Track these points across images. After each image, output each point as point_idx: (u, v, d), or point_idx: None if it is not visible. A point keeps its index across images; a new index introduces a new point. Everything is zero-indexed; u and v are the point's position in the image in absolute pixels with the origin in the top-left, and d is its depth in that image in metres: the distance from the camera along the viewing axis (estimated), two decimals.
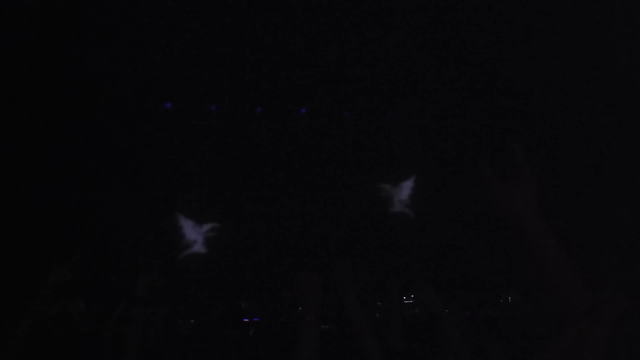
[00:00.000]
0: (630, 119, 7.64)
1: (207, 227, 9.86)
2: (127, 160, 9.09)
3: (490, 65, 8.37)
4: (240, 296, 7.74)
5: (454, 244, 9.10)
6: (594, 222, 8.04)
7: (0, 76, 7.61)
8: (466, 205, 9.22)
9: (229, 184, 9.58)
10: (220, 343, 5.16)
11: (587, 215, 8.11)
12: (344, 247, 9.12)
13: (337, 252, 8.90)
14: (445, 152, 9.64)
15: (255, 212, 9.42)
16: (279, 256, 9.23)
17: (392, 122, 9.95)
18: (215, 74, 8.93)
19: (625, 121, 7.80)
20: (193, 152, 9.55)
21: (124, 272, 7.62)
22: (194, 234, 9.85)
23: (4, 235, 7.84)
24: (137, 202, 9.11)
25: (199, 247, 9.82)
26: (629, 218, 7.08)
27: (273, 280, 8.51)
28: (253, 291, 8.13)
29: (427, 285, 3.47)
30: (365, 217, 9.66)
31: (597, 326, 1.07)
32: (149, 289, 4.27)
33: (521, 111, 8.52)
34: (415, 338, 4.04)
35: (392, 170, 9.97)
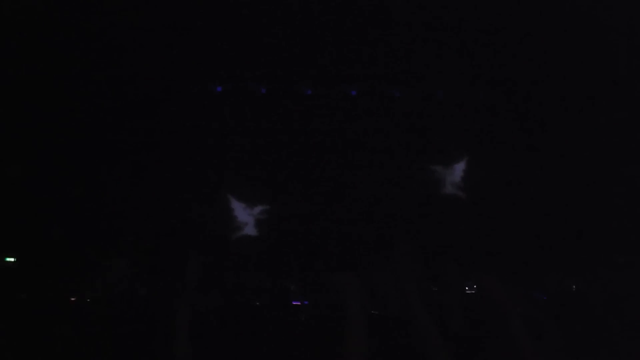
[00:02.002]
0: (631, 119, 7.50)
1: (258, 209, 9.87)
2: (176, 143, 9.17)
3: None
4: (290, 279, 7.73)
5: (510, 228, 8.95)
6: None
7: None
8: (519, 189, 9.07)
9: (282, 166, 9.58)
10: (269, 327, 5.15)
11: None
12: (397, 233, 9.05)
13: (391, 238, 8.85)
14: (498, 133, 9.46)
15: (305, 195, 9.40)
16: (329, 240, 9.20)
17: (444, 101, 9.78)
18: (264, 55, 8.92)
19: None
20: (244, 134, 9.56)
21: (174, 255, 7.69)
22: (245, 216, 9.88)
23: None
24: (186, 185, 9.19)
25: (250, 229, 9.85)
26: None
27: (322, 263, 8.50)
28: (303, 274, 8.13)
29: (488, 273, 3.37)
30: (418, 200, 9.53)
31: None
32: (200, 273, 4.27)
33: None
34: (477, 325, 3.95)
35: (444, 151, 9.80)
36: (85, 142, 8.85)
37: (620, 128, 8.59)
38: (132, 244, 8.83)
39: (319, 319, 5.25)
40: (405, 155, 9.55)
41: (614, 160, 8.92)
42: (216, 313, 5.49)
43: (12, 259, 7.96)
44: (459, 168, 9.88)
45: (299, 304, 6.80)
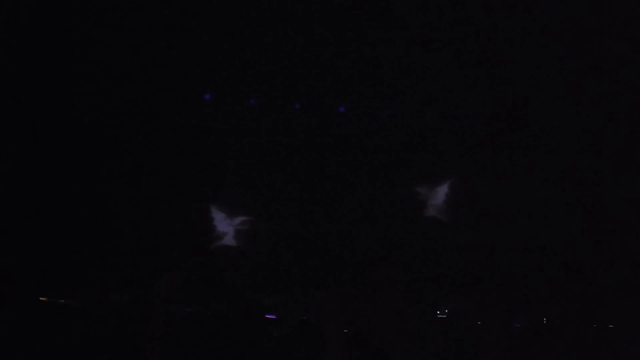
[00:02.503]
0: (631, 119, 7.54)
1: (238, 219, 9.80)
2: (156, 152, 9.11)
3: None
4: (265, 292, 7.67)
5: (490, 251, 8.95)
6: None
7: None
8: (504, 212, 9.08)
9: (263, 178, 9.52)
10: (242, 341, 5.09)
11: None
12: (376, 250, 9.00)
13: (368, 255, 8.80)
14: (482, 156, 9.48)
15: (286, 208, 9.35)
16: (309, 254, 9.15)
17: (430, 124, 9.79)
18: (256, 68, 8.90)
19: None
20: (228, 144, 9.51)
21: (150, 266, 7.63)
22: (225, 226, 9.80)
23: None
24: (167, 194, 9.11)
25: (229, 240, 9.77)
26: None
27: (300, 278, 8.44)
28: (279, 287, 8.07)
29: (460, 299, 3.33)
30: (399, 221, 9.51)
31: None
32: (176, 288, 4.20)
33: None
34: (452, 350, 3.91)
35: (428, 173, 9.80)
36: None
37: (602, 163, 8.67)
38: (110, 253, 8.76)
39: (293, 335, 5.19)
40: (387, 176, 9.54)
41: (598, 190, 8.98)
42: (189, 324, 5.42)
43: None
44: (442, 191, 9.88)
45: (274, 317, 6.74)
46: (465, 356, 3.61)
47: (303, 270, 8.86)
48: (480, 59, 8.38)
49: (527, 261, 8.86)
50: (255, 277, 8.70)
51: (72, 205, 8.80)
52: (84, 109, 8.75)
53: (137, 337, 4.29)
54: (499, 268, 8.85)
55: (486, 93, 8.94)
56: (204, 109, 9.59)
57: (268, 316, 6.74)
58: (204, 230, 9.57)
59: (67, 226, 8.68)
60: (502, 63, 8.56)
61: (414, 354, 3.05)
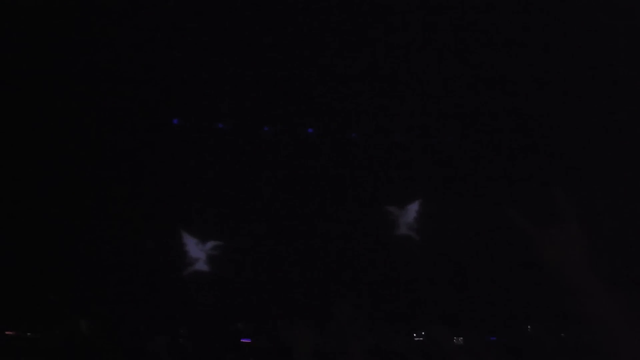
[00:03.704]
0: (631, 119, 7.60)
1: (210, 244, 9.75)
2: (129, 174, 9.03)
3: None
4: (238, 317, 7.63)
5: (462, 271, 8.98)
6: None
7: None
8: (475, 230, 9.13)
9: (233, 201, 9.49)
10: None
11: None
12: (349, 273, 9.01)
13: (340, 279, 8.79)
14: (453, 174, 9.53)
15: (258, 231, 9.32)
16: (281, 277, 9.12)
17: (399, 142, 9.85)
18: (221, 90, 8.89)
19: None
20: (197, 168, 9.46)
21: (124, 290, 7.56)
22: (197, 252, 9.74)
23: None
24: (138, 217, 9.04)
25: (201, 265, 9.70)
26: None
27: (271, 303, 8.40)
28: (251, 312, 8.03)
29: (438, 321, 3.35)
30: (371, 240, 9.54)
31: None
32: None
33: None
34: None
35: (399, 192, 9.85)
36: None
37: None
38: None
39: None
40: (359, 196, 9.56)
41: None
42: (166, 350, 5.37)
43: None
44: (413, 209, 9.94)
45: (249, 341, 6.71)
46: None
47: (275, 295, 8.82)
48: (452, 76, 8.41)
49: (502, 278, 8.91)
50: (228, 303, 8.65)
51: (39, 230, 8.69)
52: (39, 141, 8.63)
53: None
54: (475, 285, 8.89)
55: (459, 111, 8.98)
56: (173, 134, 9.55)
57: (243, 340, 6.71)
58: (176, 256, 9.51)
59: (31, 253, 8.56)
60: (475, 80, 8.58)
61: None
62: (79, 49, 7.87)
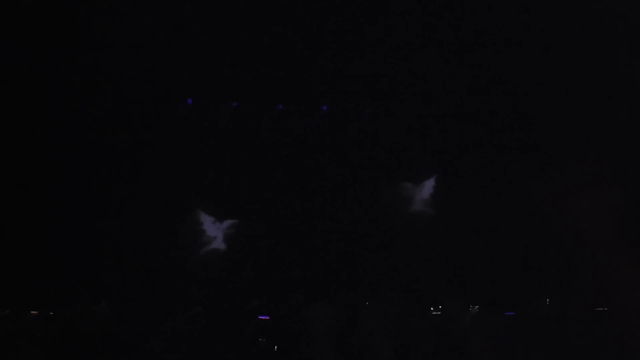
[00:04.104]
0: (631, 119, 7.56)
1: (227, 223, 9.79)
2: (146, 157, 9.08)
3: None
4: (252, 294, 7.67)
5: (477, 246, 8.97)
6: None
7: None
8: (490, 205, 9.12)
9: (249, 181, 9.51)
10: (232, 342, 5.09)
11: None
12: (364, 248, 9.03)
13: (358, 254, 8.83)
14: (467, 151, 9.50)
15: (273, 210, 9.36)
16: (294, 254, 9.16)
17: (413, 119, 9.81)
18: (235, 71, 8.88)
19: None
20: (214, 148, 9.49)
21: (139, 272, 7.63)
22: (214, 230, 9.79)
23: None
24: (155, 200, 9.10)
25: (218, 244, 9.76)
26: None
27: (287, 279, 8.45)
28: (266, 289, 8.07)
29: (454, 296, 3.36)
30: (387, 216, 9.54)
31: None
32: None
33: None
34: (443, 346, 3.93)
35: (414, 168, 9.82)
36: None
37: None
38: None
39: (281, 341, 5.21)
40: (374, 172, 9.55)
41: (585, 180, 8.99)
42: (181, 326, 5.42)
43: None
44: (429, 185, 9.91)
45: (267, 318, 6.76)
46: (458, 352, 3.63)
47: (294, 273, 8.87)
48: (465, 57, 8.37)
49: (518, 256, 8.90)
50: (246, 280, 8.72)
51: (54, 212, 8.78)
52: (63, 117, 8.69)
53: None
54: (490, 263, 8.88)
55: (473, 90, 8.94)
56: (188, 113, 9.57)
57: (261, 317, 6.76)
58: (193, 235, 9.57)
59: (50, 235, 8.66)
60: (489, 63, 8.54)
61: (407, 353, 3.07)
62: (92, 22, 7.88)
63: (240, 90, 9.43)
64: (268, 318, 6.71)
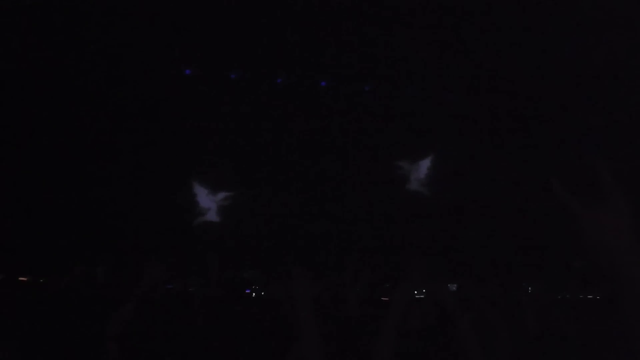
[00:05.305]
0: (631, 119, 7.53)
1: (221, 195, 9.76)
2: (137, 129, 9.04)
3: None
4: (244, 266, 7.69)
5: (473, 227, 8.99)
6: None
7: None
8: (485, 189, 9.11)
9: (244, 153, 9.48)
10: (221, 316, 5.09)
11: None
12: (355, 227, 9.03)
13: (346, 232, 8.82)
14: (466, 131, 9.47)
15: (268, 182, 9.35)
16: (288, 228, 9.17)
17: (413, 97, 9.76)
18: (236, 40, 8.79)
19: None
20: (209, 119, 9.43)
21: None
22: (208, 202, 9.77)
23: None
24: (148, 172, 9.08)
25: (212, 216, 9.74)
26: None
27: (278, 254, 8.47)
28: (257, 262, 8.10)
29: (440, 278, 3.35)
30: (380, 196, 9.52)
31: None
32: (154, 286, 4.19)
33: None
34: (428, 329, 3.93)
35: (411, 147, 9.78)
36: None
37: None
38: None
39: (272, 312, 5.20)
40: (371, 152, 9.52)
41: (578, 163, 8.97)
42: (169, 300, 5.42)
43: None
44: (424, 165, 9.88)
45: (250, 291, 6.78)
46: (444, 336, 3.62)
47: (284, 247, 8.89)
48: (459, 40, 8.32)
49: (510, 239, 8.92)
50: (237, 253, 8.72)
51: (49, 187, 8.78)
52: (55, 91, 8.66)
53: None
54: (483, 246, 8.91)
55: (469, 72, 8.89)
56: (185, 84, 9.50)
57: (248, 291, 6.78)
58: (186, 206, 9.56)
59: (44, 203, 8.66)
60: (485, 47, 8.49)
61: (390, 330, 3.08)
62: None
63: (239, 60, 9.38)
64: (249, 292, 6.75)
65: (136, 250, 8.42)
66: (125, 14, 8.00)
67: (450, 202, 9.41)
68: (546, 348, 4.09)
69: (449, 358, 3.56)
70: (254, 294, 6.84)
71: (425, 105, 9.57)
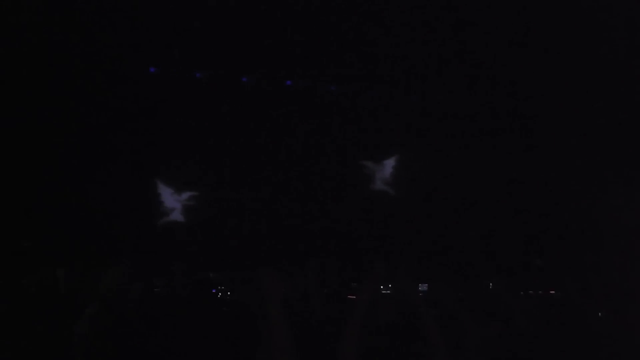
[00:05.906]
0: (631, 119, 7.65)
1: (186, 195, 9.72)
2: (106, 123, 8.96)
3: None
4: (211, 267, 7.68)
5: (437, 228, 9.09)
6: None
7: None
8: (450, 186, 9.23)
9: (211, 154, 9.45)
10: (190, 317, 5.07)
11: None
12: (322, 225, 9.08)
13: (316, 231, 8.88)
14: (430, 131, 9.56)
15: (234, 182, 9.34)
16: (255, 228, 9.18)
17: (376, 98, 9.82)
18: (199, 39, 8.77)
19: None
20: (175, 118, 9.38)
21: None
22: (173, 202, 9.71)
23: None
24: (113, 170, 8.99)
25: (177, 215, 9.69)
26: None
27: (245, 254, 8.47)
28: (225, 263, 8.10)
29: (406, 274, 3.39)
30: (347, 196, 9.58)
31: None
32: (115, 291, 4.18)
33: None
34: (392, 325, 3.97)
35: (375, 148, 9.86)
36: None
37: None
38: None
39: (241, 311, 5.20)
40: (335, 151, 9.57)
41: (540, 160, 9.16)
42: (136, 301, 5.39)
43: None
44: (389, 164, 9.95)
45: (216, 291, 6.77)
46: (411, 332, 3.66)
47: (251, 246, 8.89)
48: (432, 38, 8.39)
49: (476, 235, 9.04)
50: (202, 253, 8.69)
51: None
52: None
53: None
54: (448, 242, 9.01)
55: (442, 70, 8.98)
56: (150, 83, 9.43)
57: (214, 291, 6.77)
58: (151, 206, 9.49)
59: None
60: (456, 44, 8.58)
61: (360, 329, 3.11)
62: None
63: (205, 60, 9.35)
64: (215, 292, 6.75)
65: (100, 251, 8.35)
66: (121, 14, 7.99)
67: (416, 201, 9.51)
68: (510, 344, 4.16)
69: (414, 354, 3.61)
70: (219, 294, 6.83)
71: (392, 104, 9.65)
